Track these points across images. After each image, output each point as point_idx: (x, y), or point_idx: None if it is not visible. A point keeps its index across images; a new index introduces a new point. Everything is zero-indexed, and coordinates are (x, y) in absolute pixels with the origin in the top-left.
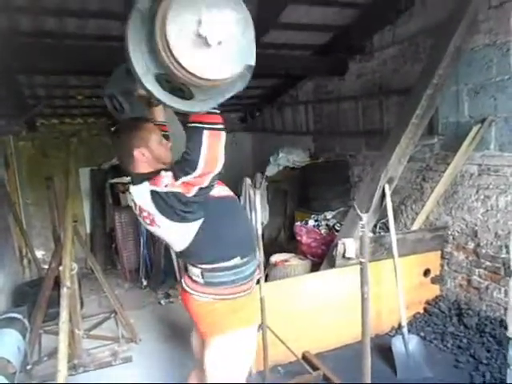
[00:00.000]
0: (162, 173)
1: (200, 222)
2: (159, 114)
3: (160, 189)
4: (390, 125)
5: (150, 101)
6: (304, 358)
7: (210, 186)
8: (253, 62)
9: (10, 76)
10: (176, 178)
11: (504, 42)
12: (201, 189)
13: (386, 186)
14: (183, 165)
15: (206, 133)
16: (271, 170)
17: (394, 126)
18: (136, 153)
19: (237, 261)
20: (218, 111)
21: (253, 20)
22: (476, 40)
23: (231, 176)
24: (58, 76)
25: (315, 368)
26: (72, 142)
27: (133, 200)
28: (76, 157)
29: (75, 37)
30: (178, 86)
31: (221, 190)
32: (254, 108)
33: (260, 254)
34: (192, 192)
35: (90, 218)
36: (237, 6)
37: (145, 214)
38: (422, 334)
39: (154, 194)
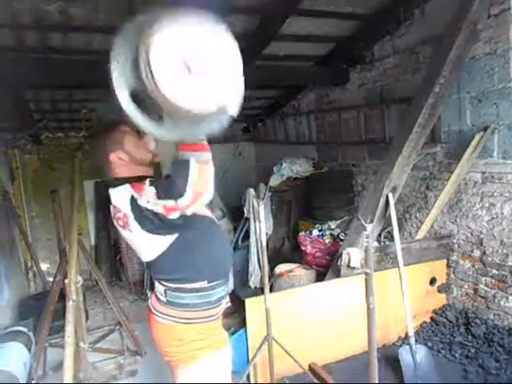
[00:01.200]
0: (147, 184)
1: (174, 237)
2: None
3: (141, 201)
4: (392, 134)
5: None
6: (310, 369)
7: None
8: (235, 114)
9: (17, 91)
10: (159, 197)
11: (505, 49)
12: (182, 214)
13: (390, 195)
14: (168, 189)
15: (193, 162)
16: (275, 181)
17: (397, 134)
18: (112, 157)
19: (203, 284)
20: (204, 140)
21: (254, 32)
22: (476, 48)
23: (234, 187)
24: (63, 90)
25: (322, 380)
26: (76, 157)
27: (111, 202)
28: (81, 169)
29: (80, 52)
30: (151, 106)
31: (198, 210)
32: (256, 118)
33: (264, 264)
34: (173, 215)
35: (94, 230)
36: (229, 44)
37: (119, 214)
38: (430, 343)
39: (133, 200)
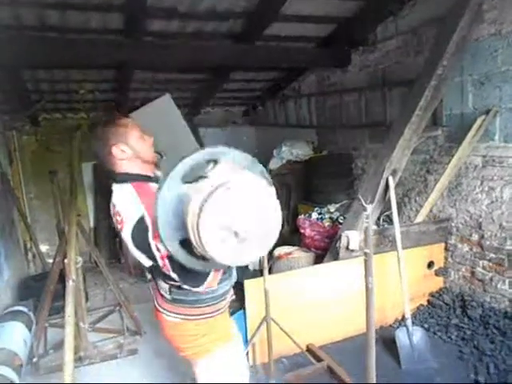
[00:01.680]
0: (151, 187)
1: None
2: None
3: (149, 233)
4: (394, 117)
5: None
6: (308, 350)
7: None
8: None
9: (14, 71)
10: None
11: (509, 31)
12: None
13: (390, 178)
14: (181, 270)
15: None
16: (274, 164)
17: (398, 117)
18: (114, 149)
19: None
20: None
21: (255, 12)
22: (481, 30)
23: None
24: (60, 70)
25: (319, 360)
26: (75, 137)
27: (112, 199)
28: (79, 151)
29: (78, 31)
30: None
31: None
32: (256, 101)
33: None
34: (163, 266)
35: (93, 212)
36: (272, 203)
37: (118, 218)
38: (426, 325)
39: (142, 221)
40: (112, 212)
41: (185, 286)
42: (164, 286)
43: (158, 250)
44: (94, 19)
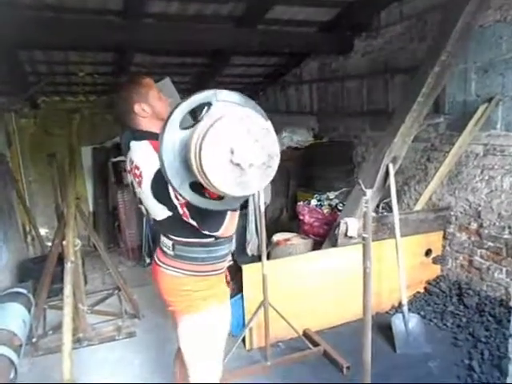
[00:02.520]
0: None
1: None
2: None
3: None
4: (395, 105)
5: None
6: (305, 334)
7: None
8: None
9: (11, 52)
10: (189, 212)
11: None
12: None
13: (390, 166)
14: (201, 216)
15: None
16: None
17: (400, 104)
18: (136, 107)
19: (211, 240)
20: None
21: None
22: (486, 16)
23: None
24: (59, 52)
25: (316, 344)
26: (74, 119)
27: (129, 153)
28: (78, 134)
29: (76, 11)
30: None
31: None
32: (257, 87)
33: (262, 232)
34: (184, 215)
35: (92, 196)
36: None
37: (137, 172)
38: (422, 312)
39: (160, 175)
40: (129, 168)
41: (204, 232)
42: (167, 242)
43: (177, 198)
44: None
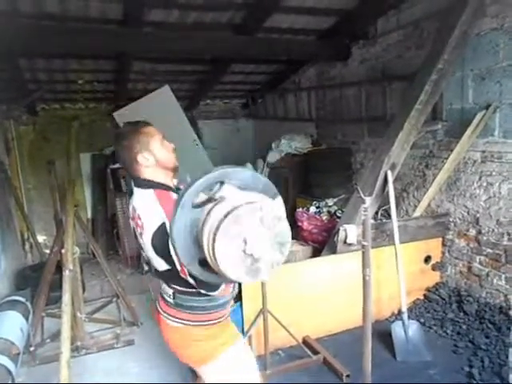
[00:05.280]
0: (172, 196)
1: None
2: None
3: (163, 217)
4: (393, 111)
5: None
6: (304, 342)
7: None
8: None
9: (11, 59)
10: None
11: (511, 25)
12: None
13: (389, 173)
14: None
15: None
16: (273, 157)
17: (398, 111)
18: (139, 157)
19: None
20: None
21: (256, 2)
22: (482, 24)
23: (233, 162)
24: (58, 60)
25: (315, 352)
26: (73, 126)
27: (132, 203)
28: (77, 141)
29: (76, 19)
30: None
31: None
32: (256, 94)
33: None
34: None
35: (91, 203)
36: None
37: (139, 222)
38: (422, 320)
39: (164, 228)
40: (131, 215)
41: (201, 291)
42: (168, 290)
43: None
44: (93, 8)
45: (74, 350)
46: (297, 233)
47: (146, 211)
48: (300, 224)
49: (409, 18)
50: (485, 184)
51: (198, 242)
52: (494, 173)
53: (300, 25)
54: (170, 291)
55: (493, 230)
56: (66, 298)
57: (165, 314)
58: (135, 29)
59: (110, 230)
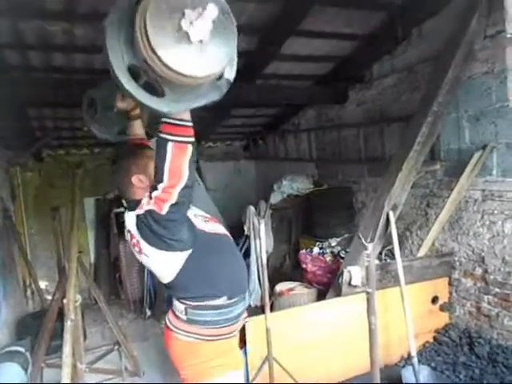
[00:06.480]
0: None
1: (188, 252)
2: (137, 129)
3: (141, 211)
4: (392, 152)
5: (129, 114)
6: None
7: (181, 204)
8: (231, 78)
9: (20, 109)
10: (151, 196)
11: (501, 69)
12: (172, 206)
13: (391, 213)
14: (153, 180)
15: (170, 144)
16: (275, 198)
17: (396, 152)
18: (134, 179)
19: (224, 300)
20: (189, 124)
21: (255, 52)
22: (474, 68)
23: (235, 204)
24: (65, 109)
25: None
26: (77, 174)
27: (126, 227)
28: (81, 187)
29: (83, 71)
30: (150, 81)
31: (213, 227)
32: (257, 136)
33: (265, 283)
34: (164, 209)
35: (94, 247)
36: (224, 13)
37: (134, 240)
38: (433, 364)
39: (137, 219)
40: (129, 240)
41: (154, 193)
42: (180, 306)
43: (142, 207)
44: (98, 61)
45: None
46: (301, 275)
47: (134, 225)
48: (304, 266)
49: (403, 63)
50: (487, 222)
51: (131, 45)
52: (495, 211)
53: (298, 71)
54: (182, 307)
55: (499, 269)
56: (67, 349)
57: (175, 329)
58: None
59: (112, 274)
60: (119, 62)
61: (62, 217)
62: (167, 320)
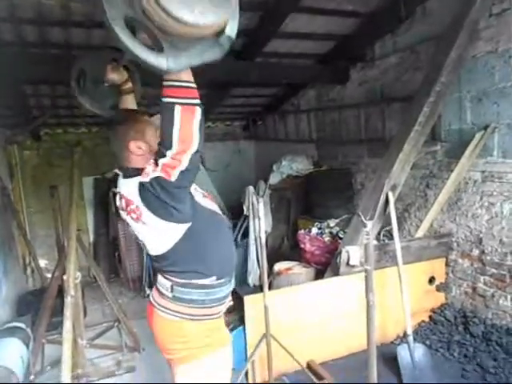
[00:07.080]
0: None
1: (187, 226)
2: (130, 104)
3: (146, 179)
4: (392, 132)
5: (121, 88)
6: (309, 367)
7: (191, 170)
8: (233, 35)
9: (16, 86)
10: (156, 163)
11: (506, 49)
12: (182, 172)
13: (390, 194)
14: (160, 146)
15: (178, 108)
16: (274, 178)
17: (397, 133)
18: (132, 145)
19: (212, 280)
20: (194, 85)
21: (255, 29)
22: (477, 47)
23: (234, 184)
24: (62, 86)
25: (320, 377)
26: (76, 152)
27: (119, 192)
28: (80, 166)
29: (80, 47)
30: (148, 36)
31: (210, 205)
32: (256, 116)
33: (263, 262)
34: (173, 176)
35: (93, 226)
36: None
37: (132, 206)
38: (428, 342)
39: (141, 186)
40: (124, 206)
41: (163, 160)
42: (165, 283)
43: (148, 174)
44: (96, 36)
45: (74, 377)
46: (299, 255)
47: (135, 192)
48: (302, 246)
49: (405, 42)
50: (486, 204)
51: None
52: (495, 193)
53: (299, 49)
54: (168, 284)
55: (496, 250)
56: (68, 324)
57: (159, 307)
58: None
59: (111, 253)
60: (115, 13)
61: (60, 195)
62: (151, 297)
